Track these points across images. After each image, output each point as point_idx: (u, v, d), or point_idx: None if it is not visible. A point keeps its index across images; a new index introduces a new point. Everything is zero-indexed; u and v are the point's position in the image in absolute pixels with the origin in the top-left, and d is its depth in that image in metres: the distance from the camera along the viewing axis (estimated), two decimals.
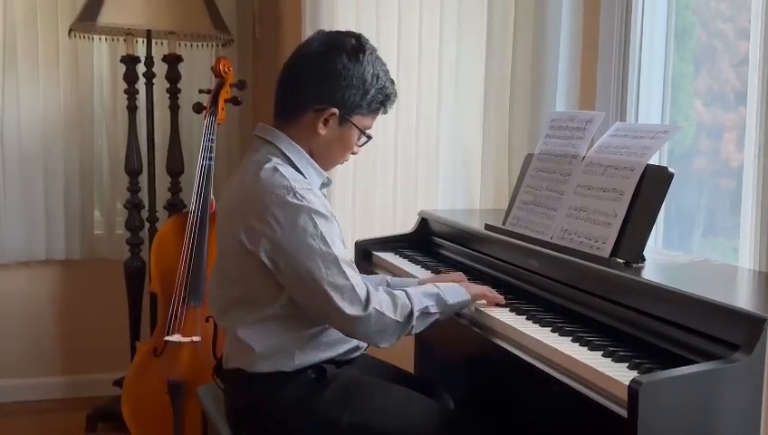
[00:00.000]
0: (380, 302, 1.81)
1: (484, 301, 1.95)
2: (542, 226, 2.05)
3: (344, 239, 1.93)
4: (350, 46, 1.93)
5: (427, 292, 1.91)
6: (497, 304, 1.94)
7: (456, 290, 1.95)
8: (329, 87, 1.92)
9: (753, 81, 1.94)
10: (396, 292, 1.87)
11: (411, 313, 1.84)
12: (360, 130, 1.97)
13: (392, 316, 1.82)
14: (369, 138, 2.02)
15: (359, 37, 1.97)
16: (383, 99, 1.98)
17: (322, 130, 1.93)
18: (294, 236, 1.79)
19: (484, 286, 2.01)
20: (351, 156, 2.05)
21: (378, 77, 1.95)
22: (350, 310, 1.78)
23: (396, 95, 2.02)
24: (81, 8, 3.36)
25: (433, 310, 1.89)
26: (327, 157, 1.99)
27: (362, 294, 1.80)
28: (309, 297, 1.82)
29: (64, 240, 3.80)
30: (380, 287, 1.90)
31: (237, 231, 1.86)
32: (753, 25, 1.96)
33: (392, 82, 2.00)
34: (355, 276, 1.82)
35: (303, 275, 1.79)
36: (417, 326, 1.87)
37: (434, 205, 2.91)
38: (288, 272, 1.81)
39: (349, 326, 1.82)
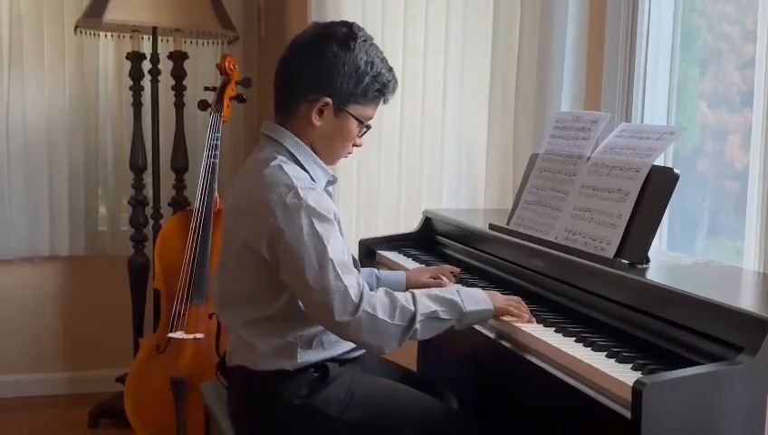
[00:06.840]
0: (374, 305, 1.74)
1: (511, 317, 1.81)
2: (547, 226, 2.04)
3: (347, 240, 1.87)
4: (341, 34, 1.88)
5: (440, 296, 1.82)
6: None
7: (477, 297, 1.85)
8: (320, 76, 1.86)
9: (759, 83, 1.94)
10: (399, 294, 1.79)
11: (413, 317, 1.75)
12: (357, 120, 1.92)
13: (387, 319, 1.74)
14: (368, 128, 1.97)
15: (351, 25, 1.91)
16: (381, 87, 1.91)
17: (317, 122, 1.88)
18: (291, 235, 1.76)
19: (514, 297, 1.88)
20: (355, 148, 1.99)
21: (372, 64, 1.89)
22: (340, 314, 1.73)
23: (396, 82, 1.95)
24: (87, 5, 3.37)
25: (444, 316, 1.79)
26: (328, 150, 1.94)
27: (355, 297, 1.73)
28: (303, 297, 1.81)
29: (68, 236, 3.81)
30: (381, 289, 1.80)
31: (239, 228, 1.86)
32: (760, 28, 1.96)
33: (390, 69, 1.93)
34: (350, 278, 1.75)
35: (298, 275, 1.76)
36: (424, 332, 1.78)
37: (438, 204, 2.92)
38: (286, 271, 1.80)
39: (339, 330, 1.77)
